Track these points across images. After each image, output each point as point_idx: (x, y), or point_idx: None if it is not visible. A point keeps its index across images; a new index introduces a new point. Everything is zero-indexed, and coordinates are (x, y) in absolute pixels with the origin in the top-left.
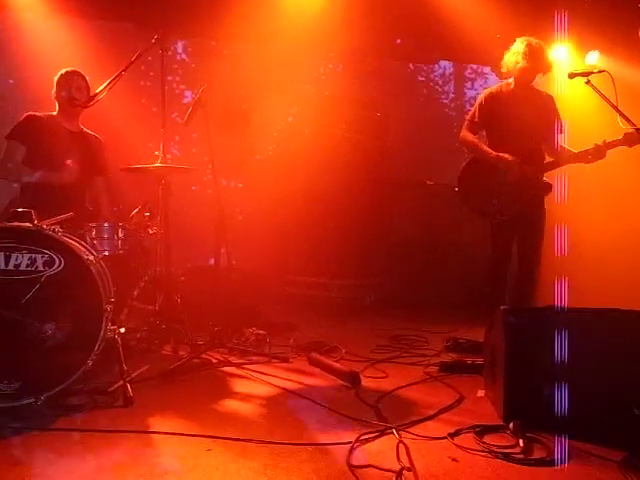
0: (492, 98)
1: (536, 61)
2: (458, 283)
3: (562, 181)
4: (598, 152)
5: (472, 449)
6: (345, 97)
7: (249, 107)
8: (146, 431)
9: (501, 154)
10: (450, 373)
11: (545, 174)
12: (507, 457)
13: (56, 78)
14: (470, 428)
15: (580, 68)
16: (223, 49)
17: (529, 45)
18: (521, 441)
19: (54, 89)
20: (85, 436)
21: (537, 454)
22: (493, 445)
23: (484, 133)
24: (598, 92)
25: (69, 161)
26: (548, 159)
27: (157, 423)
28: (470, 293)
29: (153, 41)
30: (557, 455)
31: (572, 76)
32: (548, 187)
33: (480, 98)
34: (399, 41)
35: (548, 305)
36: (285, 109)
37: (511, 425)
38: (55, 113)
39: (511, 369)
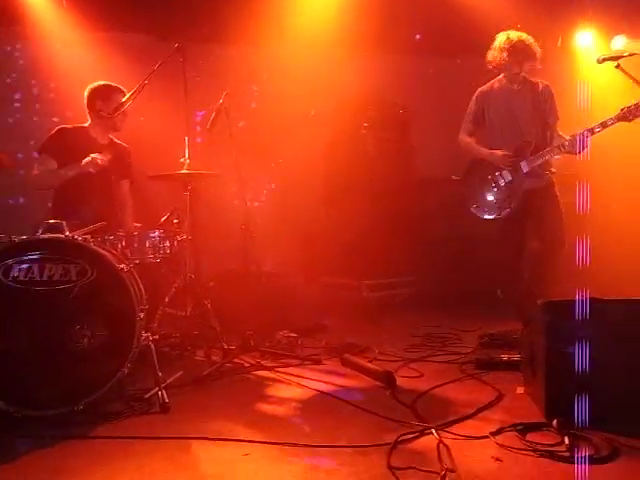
0: (484, 96)
1: (517, 52)
2: (489, 278)
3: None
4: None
5: (516, 448)
6: (365, 96)
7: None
8: (184, 437)
9: (493, 150)
10: (487, 370)
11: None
12: (553, 455)
13: (91, 90)
14: (512, 426)
15: (608, 53)
16: (241, 55)
17: (508, 39)
18: (566, 438)
19: (87, 101)
20: (124, 443)
21: (584, 452)
22: (537, 443)
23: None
24: (629, 76)
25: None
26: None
27: (194, 428)
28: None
29: (175, 46)
30: (605, 452)
31: (601, 61)
32: (548, 178)
33: (474, 97)
34: (418, 37)
35: (590, 297)
36: (304, 111)
37: (554, 422)
38: (87, 125)
39: (552, 364)
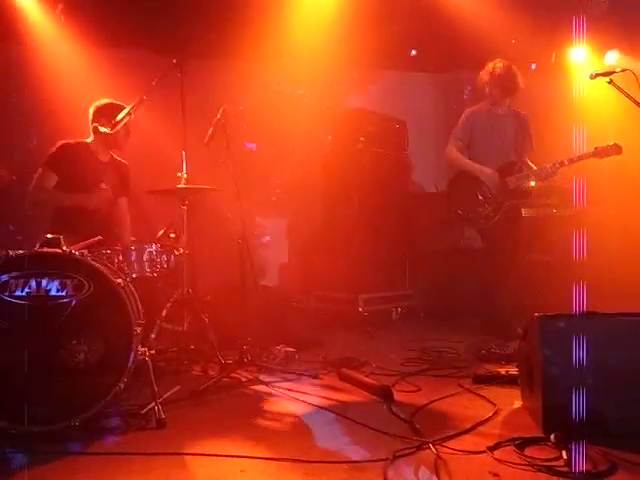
0: (474, 116)
1: (495, 84)
2: (485, 292)
3: (580, 185)
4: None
5: (513, 463)
6: (362, 110)
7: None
8: (180, 453)
9: (482, 167)
10: (484, 384)
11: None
12: (551, 470)
13: (96, 108)
14: (509, 441)
15: (600, 68)
16: (238, 71)
17: (493, 68)
18: (564, 453)
19: (91, 118)
20: (121, 459)
21: (582, 467)
22: (535, 458)
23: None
24: (622, 91)
25: (103, 184)
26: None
27: (190, 444)
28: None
29: (173, 62)
30: (603, 467)
31: (594, 77)
32: (527, 195)
33: (463, 116)
34: (414, 52)
35: (585, 311)
36: (301, 125)
37: (552, 437)
38: (89, 140)
39: (549, 378)
